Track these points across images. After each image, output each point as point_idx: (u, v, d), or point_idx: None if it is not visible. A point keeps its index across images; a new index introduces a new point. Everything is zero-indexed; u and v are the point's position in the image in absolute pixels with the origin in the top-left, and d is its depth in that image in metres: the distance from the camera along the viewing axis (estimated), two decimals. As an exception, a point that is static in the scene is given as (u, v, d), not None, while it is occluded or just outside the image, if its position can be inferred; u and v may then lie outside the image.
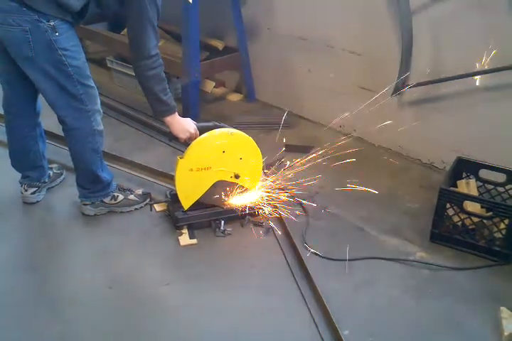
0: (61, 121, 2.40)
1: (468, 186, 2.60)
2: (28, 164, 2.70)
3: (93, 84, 2.37)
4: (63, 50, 2.19)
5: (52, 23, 2.12)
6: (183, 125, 2.48)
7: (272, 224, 2.63)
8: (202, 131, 2.49)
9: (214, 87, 4.12)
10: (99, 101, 2.43)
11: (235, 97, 4.04)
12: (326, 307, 2.10)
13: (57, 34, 2.14)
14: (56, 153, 3.07)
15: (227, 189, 2.58)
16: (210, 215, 2.59)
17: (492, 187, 2.66)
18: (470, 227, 2.46)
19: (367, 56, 3.19)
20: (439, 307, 2.17)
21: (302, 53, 3.53)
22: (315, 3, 3.29)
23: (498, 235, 2.40)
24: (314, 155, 2.83)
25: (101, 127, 2.47)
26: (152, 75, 2.31)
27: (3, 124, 2.67)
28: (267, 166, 2.99)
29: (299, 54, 3.55)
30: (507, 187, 2.61)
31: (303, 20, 3.42)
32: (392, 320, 2.11)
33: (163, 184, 2.91)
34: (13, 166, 2.72)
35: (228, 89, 4.15)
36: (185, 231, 2.56)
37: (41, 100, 2.52)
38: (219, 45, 3.80)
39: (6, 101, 2.54)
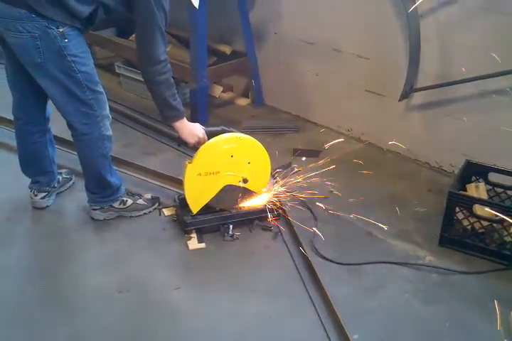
0: (70, 126, 2.42)
1: (477, 190, 2.59)
2: (38, 169, 2.72)
3: (102, 90, 2.38)
4: (72, 57, 2.20)
5: (61, 30, 2.13)
6: (191, 130, 2.49)
7: (280, 228, 2.63)
8: (210, 135, 2.50)
9: (222, 91, 4.13)
10: (107, 107, 2.44)
11: (243, 102, 4.05)
12: (335, 312, 2.09)
13: (66, 40, 2.16)
14: (65, 158, 3.08)
15: (236, 193, 2.58)
16: (219, 219, 2.60)
17: (502, 190, 2.64)
18: (480, 231, 2.44)
19: (375, 60, 3.19)
20: (449, 312, 2.16)
21: (310, 57, 3.53)
22: (322, 7, 3.30)
23: (508, 239, 2.38)
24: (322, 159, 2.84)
25: (110, 132, 2.48)
26: (162, 81, 2.31)
27: (13, 130, 2.69)
28: (275, 170, 2.99)
29: (307, 58, 3.56)
30: (516, 190, 2.60)
31: (310, 24, 3.42)
32: (401, 324, 2.11)
33: (172, 188, 2.91)
34: (23, 171, 2.74)
35: (236, 94, 4.16)
36: (193, 235, 2.57)
37: (50, 106, 2.55)
38: (227, 49, 3.82)
39: (16, 107, 2.56)
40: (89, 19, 2.22)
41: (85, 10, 2.16)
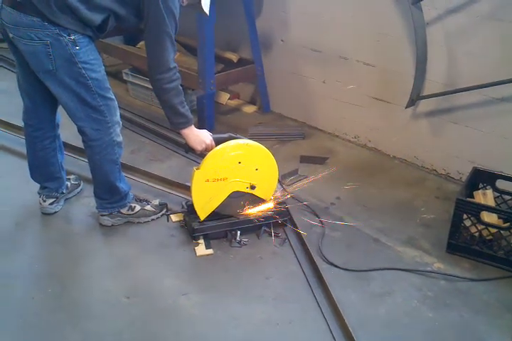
0: (81, 132, 2.43)
1: (485, 197, 2.59)
2: (47, 175, 2.73)
3: (113, 96, 2.40)
4: (83, 63, 2.22)
5: (72, 37, 2.16)
6: (199, 137, 2.50)
7: (287, 234, 2.63)
8: (217, 142, 2.51)
9: (229, 98, 4.14)
10: (118, 113, 2.46)
11: (249, 109, 4.06)
12: (343, 318, 2.09)
13: (77, 48, 2.18)
14: (74, 164, 3.09)
15: (243, 200, 2.59)
16: (226, 226, 2.60)
17: (509, 197, 2.64)
18: (487, 238, 2.44)
19: (381, 67, 3.20)
20: (457, 319, 2.15)
21: (317, 65, 3.55)
22: (328, 15, 3.32)
23: (515, 246, 2.39)
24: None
25: (120, 138, 2.50)
26: (171, 88, 2.33)
27: (23, 136, 2.71)
28: (283, 177, 3.00)
29: (314, 65, 3.57)
30: (524, 197, 2.60)
31: (317, 32, 3.44)
32: (409, 331, 2.10)
33: (180, 194, 2.92)
34: (31, 177, 2.75)
35: (243, 101, 4.18)
36: (201, 241, 2.58)
37: (60, 112, 2.56)
38: (233, 57, 3.84)
39: (26, 113, 2.58)
40: (101, 27, 2.24)
41: (97, 18, 2.18)
